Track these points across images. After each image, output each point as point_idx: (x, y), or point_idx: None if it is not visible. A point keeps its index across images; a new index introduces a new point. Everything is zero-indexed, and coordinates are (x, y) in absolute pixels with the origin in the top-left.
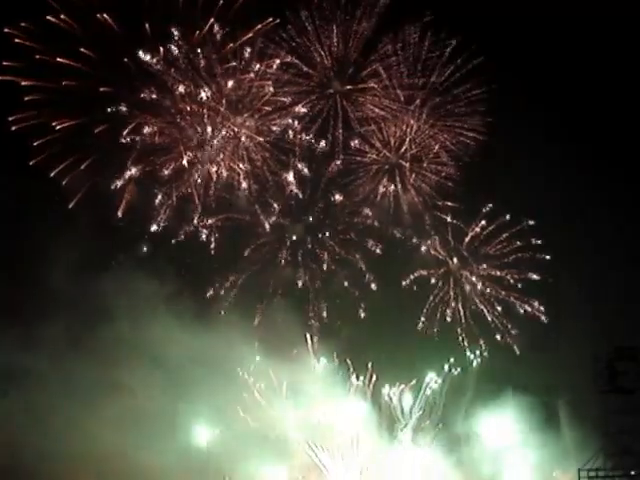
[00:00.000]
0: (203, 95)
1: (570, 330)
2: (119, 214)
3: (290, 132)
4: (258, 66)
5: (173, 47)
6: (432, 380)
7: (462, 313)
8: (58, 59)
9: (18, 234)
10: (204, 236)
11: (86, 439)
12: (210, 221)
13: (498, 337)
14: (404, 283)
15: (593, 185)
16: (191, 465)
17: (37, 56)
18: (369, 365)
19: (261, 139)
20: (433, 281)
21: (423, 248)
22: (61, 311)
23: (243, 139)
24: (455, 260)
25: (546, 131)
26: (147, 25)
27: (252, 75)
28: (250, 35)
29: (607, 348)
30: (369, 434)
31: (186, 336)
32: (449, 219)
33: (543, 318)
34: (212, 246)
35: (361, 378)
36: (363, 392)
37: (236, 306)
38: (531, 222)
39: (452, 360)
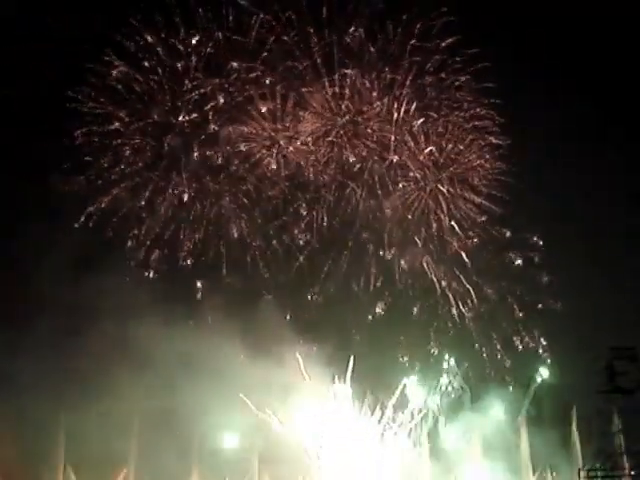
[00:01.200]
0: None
1: (569, 330)
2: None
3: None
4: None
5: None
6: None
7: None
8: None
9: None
10: (191, 247)
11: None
12: (197, 236)
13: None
14: (381, 307)
15: (593, 186)
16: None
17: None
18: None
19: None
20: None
21: (406, 259)
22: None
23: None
24: (443, 273)
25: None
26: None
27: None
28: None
29: (606, 348)
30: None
31: (175, 339)
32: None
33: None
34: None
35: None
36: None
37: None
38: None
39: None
